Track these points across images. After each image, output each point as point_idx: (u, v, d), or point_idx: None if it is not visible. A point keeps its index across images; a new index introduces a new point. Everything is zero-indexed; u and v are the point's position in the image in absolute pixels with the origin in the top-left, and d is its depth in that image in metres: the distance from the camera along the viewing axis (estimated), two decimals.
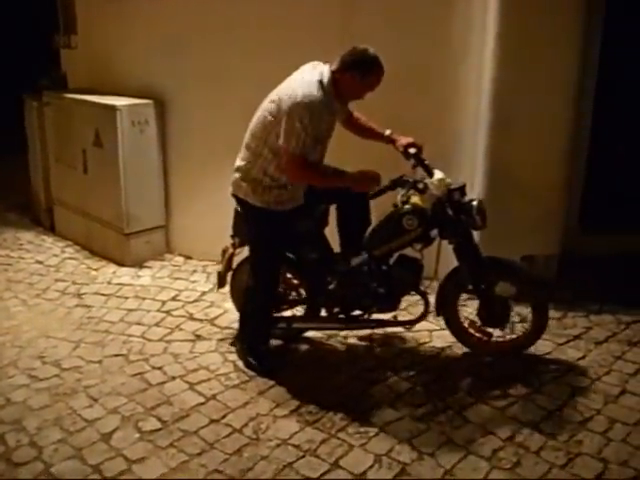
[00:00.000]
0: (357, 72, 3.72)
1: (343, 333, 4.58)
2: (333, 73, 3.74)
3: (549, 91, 4.75)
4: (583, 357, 4.32)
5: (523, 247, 5.00)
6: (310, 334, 4.59)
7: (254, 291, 4.14)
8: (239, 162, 3.98)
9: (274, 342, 4.45)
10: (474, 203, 4.01)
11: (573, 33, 4.70)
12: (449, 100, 5.02)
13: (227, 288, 4.60)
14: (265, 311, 4.25)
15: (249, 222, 4.06)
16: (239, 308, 4.59)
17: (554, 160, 4.94)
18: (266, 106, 3.82)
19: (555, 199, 5.04)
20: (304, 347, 4.52)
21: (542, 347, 4.40)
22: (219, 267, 4.53)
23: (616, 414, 3.75)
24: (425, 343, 4.50)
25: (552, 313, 4.78)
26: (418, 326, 4.58)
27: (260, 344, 4.29)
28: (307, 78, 3.73)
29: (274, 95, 3.81)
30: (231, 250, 4.39)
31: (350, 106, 4.10)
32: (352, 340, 4.56)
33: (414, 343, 4.51)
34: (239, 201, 4.03)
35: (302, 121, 3.60)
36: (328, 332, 4.58)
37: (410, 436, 3.58)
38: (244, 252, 4.41)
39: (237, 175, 3.97)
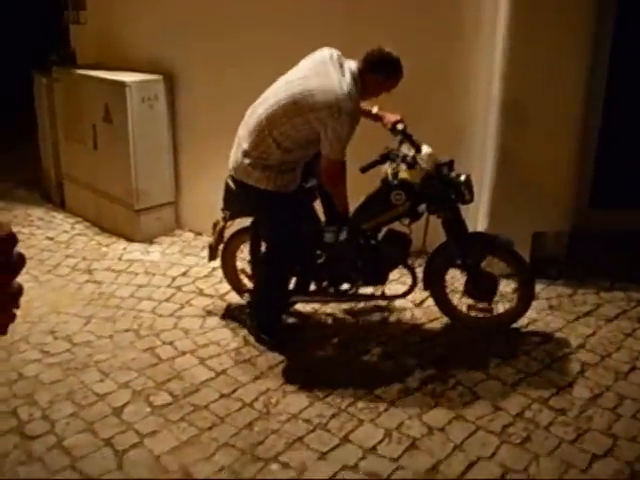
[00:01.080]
0: (381, 75, 3.79)
1: (354, 309, 4.59)
2: (359, 71, 3.78)
3: (560, 68, 4.69)
4: (593, 334, 4.32)
5: (534, 224, 4.98)
6: (321, 310, 4.61)
7: (271, 272, 4.16)
8: (247, 146, 3.90)
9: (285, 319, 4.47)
10: (462, 178, 4.03)
11: (585, 16, 4.65)
12: (460, 86, 4.97)
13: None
14: (280, 288, 4.25)
15: (258, 206, 4.05)
16: (228, 279, 4.65)
17: (565, 136, 4.90)
18: (287, 93, 3.76)
19: (566, 175, 5.00)
20: (314, 323, 4.53)
21: (553, 324, 4.41)
22: (210, 239, 4.55)
23: (626, 390, 3.76)
24: (435, 319, 4.50)
25: (562, 290, 4.81)
26: (427, 303, 4.60)
27: (273, 319, 4.30)
28: (343, 81, 3.70)
29: (296, 84, 3.75)
30: (222, 223, 4.40)
31: None
32: (362, 316, 4.57)
33: (424, 319, 4.51)
34: (244, 186, 3.99)
35: (350, 126, 3.67)
36: (338, 308, 4.59)
37: (420, 411, 3.60)
38: (235, 225, 4.44)
39: (246, 161, 3.90)
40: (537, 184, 4.88)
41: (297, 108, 3.72)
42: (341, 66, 3.77)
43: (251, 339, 4.28)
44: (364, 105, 4.11)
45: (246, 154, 3.91)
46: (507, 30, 4.60)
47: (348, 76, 3.72)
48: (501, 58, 4.69)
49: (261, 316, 4.30)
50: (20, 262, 1.06)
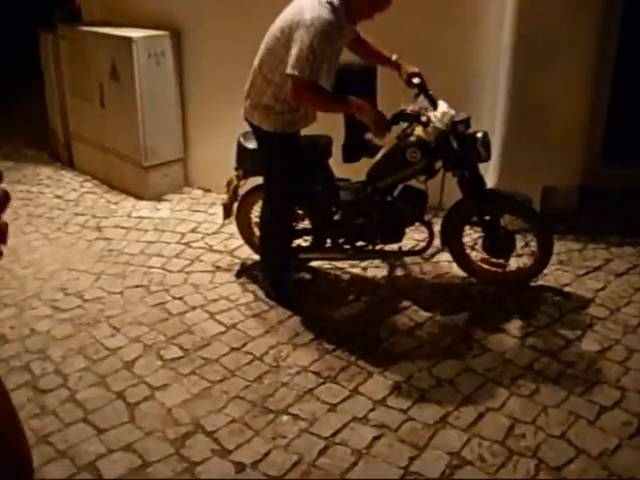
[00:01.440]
0: None
1: (364, 264, 4.59)
2: None
3: (573, 22, 4.63)
4: (603, 288, 4.31)
5: (544, 178, 4.94)
6: (332, 264, 4.62)
7: (271, 220, 4.14)
8: (249, 89, 3.94)
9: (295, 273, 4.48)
10: (478, 135, 3.98)
11: None
12: (471, 29, 4.91)
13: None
14: (284, 240, 4.26)
15: (263, 148, 4.04)
16: (245, 238, 4.65)
17: (577, 92, 4.85)
18: (274, 31, 3.74)
19: (577, 130, 4.96)
20: (325, 277, 4.54)
21: (562, 278, 4.40)
22: (224, 198, 4.54)
23: (635, 344, 3.76)
24: (446, 274, 4.50)
25: (572, 245, 4.80)
26: (438, 257, 4.60)
27: (281, 273, 4.31)
28: (316, 2, 3.59)
29: (282, 19, 3.72)
30: (235, 182, 4.40)
31: (360, 29, 4.02)
32: (372, 270, 4.57)
33: (434, 273, 4.51)
34: (253, 127, 4.00)
35: (312, 45, 3.50)
36: (349, 262, 4.60)
37: (429, 364, 3.61)
38: (248, 183, 4.43)
39: (248, 102, 3.94)
40: (548, 138, 4.84)
41: (277, 41, 3.70)
42: None
43: (261, 293, 4.30)
44: (383, 52, 4.08)
45: (247, 95, 3.94)
46: None
47: (327, 3, 3.60)
48: (513, 8, 4.62)
49: (268, 267, 4.31)
50: (4, 199, 1.05)
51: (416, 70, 4.02)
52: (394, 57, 4.10)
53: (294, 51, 3.56)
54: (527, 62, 4.70)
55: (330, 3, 3.60)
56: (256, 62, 3.88)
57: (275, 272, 4.30)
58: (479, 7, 4.85)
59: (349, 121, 4.18)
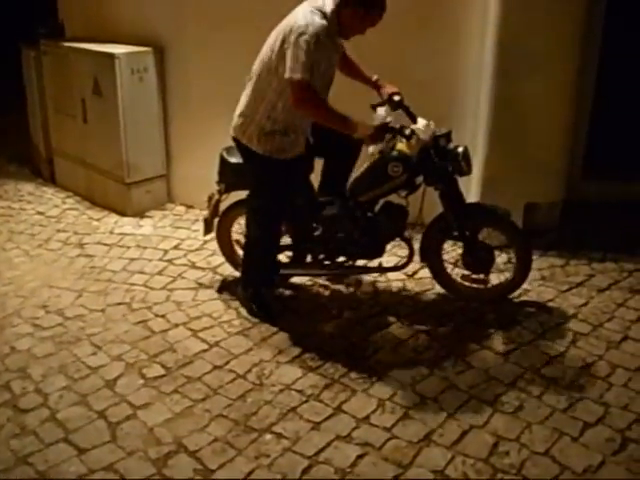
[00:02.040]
0: (361, 7, 3.67)
1: (346, 280, 4.59)
2: (337, 8, 3.68)
3: (554, 36, 4.67)
4: (585, 304, 4.32)
5: (526, 194, 4.97)
6: (314, 280, 4.61)
7: (258, 235, 4.13)
8: (242, 107, 3.93)
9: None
10: (459, 150, 4.00)
11: None
12: (452, 44, 4.94)
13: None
14: (268, 257, 4.25)
15: (252, 169, 4.03)
16: (225, 254, 4.65)
17: (558, 107, 4.89)
18: (269, 43, 3.77)
19: (558, 146, 5.00)
20: (307, 294, 4.52)
21: (545, 294, 4.41)
22: (205, 213, 4.53)
23: (618, 360, 3.77)
24: (428, 290, 4.50)
25: (555, 261, 4.82)
26: (420, 274, 4.60)
27: (263, 289, 4.30)
28: (307, 9, 3.67)
29: (277, 30, 3.75)
30: (217, 196, 4.40)
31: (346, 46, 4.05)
32: (355, 287, 4.56)
33: (417, 290, 4.51)
34: (240, 146, 3.99)
35: (307, 47, 3.54)
36: (330, 278, 4.60)
37: (413, 381, 3.60)
38: (230, 198, 4.43)
39: (240, 120, 3.93)
40: (530, 154, 4.87)
41: (272, 53, 3.72)
42: (314, 2, 3.72)
43: (243, 311, 4.27)
44: (364, 72, 4.14)
45: (240, 113, 3.94)
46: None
47: (316, 5, 3.68)
48: (494, 21, 4.66)
49: (249, 283, 4.29)
50: None
51: (396, 89, 4.06)
52: (374, 77, 4.15)
53: (290, 55, 3.59)
54: (508, 78, 4.73)
55: (322, 12, 3.65)
56: (251, 78, 3.89)
57: (257, 288, 4.28)
58: (460, 24, 4.88)
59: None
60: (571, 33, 4.72)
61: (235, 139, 4.01)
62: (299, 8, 3.74)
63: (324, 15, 3.65)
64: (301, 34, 3.56)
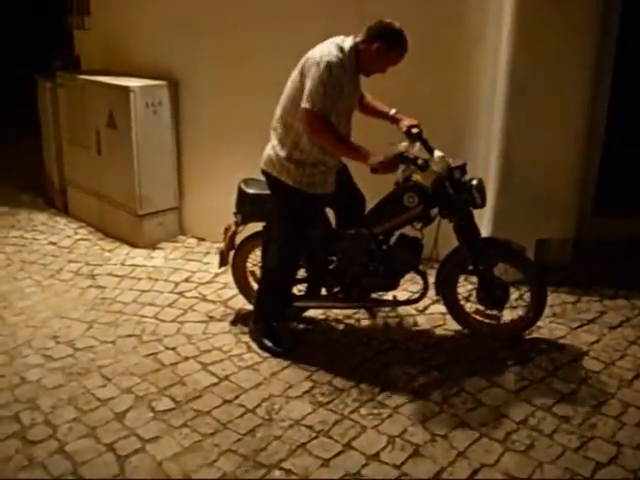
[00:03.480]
0: (383, 43, 3.76)
1: (358, 315, 4.59)
2: (357, 44, 3.80)
3: (565, 74, 4.70)
4: (597, 341, 4.30)
5: (538, 231, 4.97)
6: (327, 314, 4.62)
7: (275, 269, 4.14)
8: (272, 140, 4.00)
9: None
10: (474, 182, 4.03)
11: (591, 18, 4.66)
12: (464, 80, 4.98)
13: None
14: (284, 290, 4.26)
15: (278, 200, 4.05)
16: (239, 286, 4.66)
17: (570, 143, 4.90)
18: (293, 77, 3.86)
19: (570, 183, 5.00)
20: (319, 328, 4.52)
21: (556, 331, 4.39)
22: (221, 245, 4.54)
23: (630, 398, 3.74)
24: (439, 326, 4.49)
25: (566, 297, 4.81)
26: (431, 309, 4.59)
27: (276, 324, 4.29)
28: (326, 44, 3.79)
29: (299, 65, 3.84)
30: (234, 228, 4.42)
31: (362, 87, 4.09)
32: (366, 322, 4.56)
33: (428, 325, 4.50)
34: (270, 178, 4.02)
35: (320, 78, 3.63)
36: (343, 313, 4.61)
37: (423, 418, 3.58)
38: (246, 230, 4.45)
39: (271, 152, 3.98)
40: (541, 191, 4.87)
41: (294, 85, 3.82)
42: (331, 42, 3.82)
43: (254, 345, 4.27)
44: (382, 107, 4.19)
45: (271, 147, 4.00)
46: (512, 36, 4.61)
47: (335, 41, 3.79)
48: (505, 64, 4.69)
49: (263, 316, 4.28)
50: None
51: (415, 122, 4.10)
52: (392, 111, 4.19)
53: (307, 86, 3.69)
54: (520, 115, 4.76)
55: (340, 46, 3.76)
56: (278, 111, 3.96)
57: (268, 321, 4.27)
58: (472, 62, 4.92)
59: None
60: (583, 71, 4.75)
61: (265, 172, 4.05)
62: (321, 44, 3.84)
63: (341, 49, 3.74)
64: (316, 65, 3.67)
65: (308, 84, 3.68)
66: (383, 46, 3.76)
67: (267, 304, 4.28)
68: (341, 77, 3.72)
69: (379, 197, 4.16)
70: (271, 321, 4.28)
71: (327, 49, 3.74)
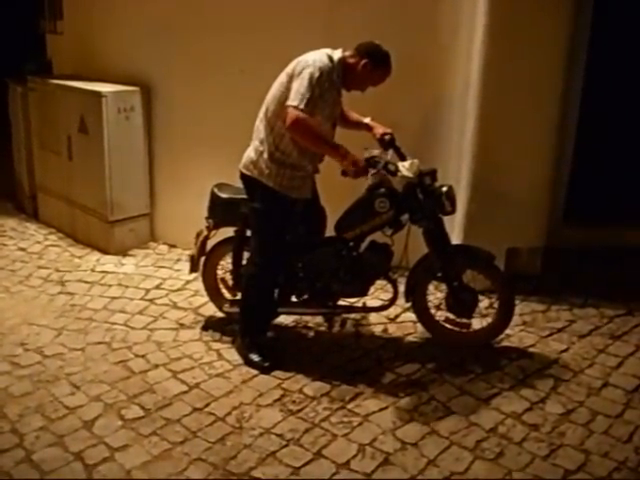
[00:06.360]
0: (370, 60, 3.85)
1: (329, 322, 4.60)
2: (346, 57, 3.87)
3: (536, 85, 4.74)
4: (566, 350, 4.33)
5: (508, 239, 5.01)
6: (297, 321, 4.61)
7: (257, 275, 4.12)
8: (253, 142, 4.00)
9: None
10: (444, 189, 4.06)
11: (560, 30, 4.71)
12: (435, 86, 5.01)
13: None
14: (268, 296, 4.23)
15: (258, 203, 4.01)
16: (210, 293, 4.64)
17: (540, 153, 4.94)
18: (281, 78, 3.88)
19: (540, 192, 5.04)
20: (289, 337, 4.50)
21: (526, 339, 4.42)
22: (192, 250, 4.53)
23: (598, 406, 3.77)
24: (410, 334, 4.50)
25: (536, 306, 4.84)
26: (402, 317, 4.61)
27: (261, 335, 4.25)
28: (318, 53, 3.85)
29: (288, 67, 3.86)
30: (205, 233, 4.40)
31: None
32: (336, 330, 4.55)
33: (399, 334, 4.51)
34: (250, 181, 4.00)
35: (310, 79, 3.68)
36: (314, 320, 4.61)
37: (394, 426, 3.58)
38: (218, 235, 4.44)
39: (252, 154, 3.98)
40: (512, 200, 4.91)
41: (282, 85, 3.84)
42: (326, 52, 3.88)
43: (225, 353, 4.25)
44: (357, 117, 4.25)
45: (252, 148, 4.00)
46: (484, 42, 4.65)
47: (325, 51, 3.86)
48: (478, 70, 4.73)
49: (249, 332, 4.23)
50: None
51: (388, 130, 4.16)
52: (367, 119, 4.25)
53: (295, 86, 3.72)
54: (490, 124, 4.79)
55: (330, 57, 3.83)
56: (261, 112, 3.98)
57: (257, 333, 4.23)
58: (444, 64, 4.94)
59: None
60: (553, 80, 4.80)
61: (244, 175, 4.03)
62: (312, 51, 3.89)
63: (331, 59, 3.82)
64: (306, 67, 3.73)
65: (296, 84, 3.72)
66: (369, 63, 3.85)
67: (252, 315, 4.23)
68: (329, 83, 3.78)
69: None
70: (258, 333, 4.24)
71: (319, 56, 3.81)
